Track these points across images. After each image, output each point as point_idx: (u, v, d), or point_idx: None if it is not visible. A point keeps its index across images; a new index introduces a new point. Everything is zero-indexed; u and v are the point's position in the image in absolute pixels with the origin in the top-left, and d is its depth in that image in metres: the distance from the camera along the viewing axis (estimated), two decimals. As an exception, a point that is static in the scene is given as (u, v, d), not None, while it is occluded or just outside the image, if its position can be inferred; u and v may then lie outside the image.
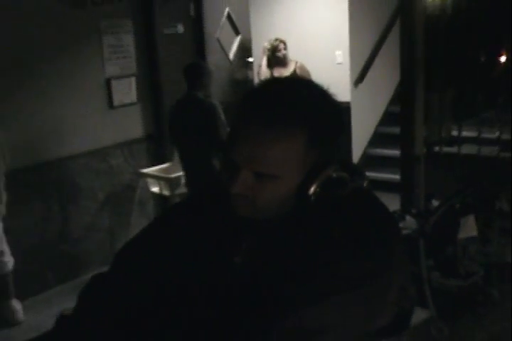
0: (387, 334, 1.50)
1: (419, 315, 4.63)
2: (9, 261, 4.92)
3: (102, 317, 1.63)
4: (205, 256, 1.57)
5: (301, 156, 1.42)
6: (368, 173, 5.92)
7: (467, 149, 5.93)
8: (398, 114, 5.40)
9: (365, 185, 1.56)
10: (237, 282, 1.49)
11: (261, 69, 6.90)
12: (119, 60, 6.00)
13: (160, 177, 6.10)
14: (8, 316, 4.95)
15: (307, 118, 1.41)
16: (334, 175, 1.47)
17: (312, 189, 1.44)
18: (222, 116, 5.20)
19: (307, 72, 6.88)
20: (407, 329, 1.56)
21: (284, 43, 6.92)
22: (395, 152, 6.12)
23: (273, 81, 1.57)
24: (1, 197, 4.76)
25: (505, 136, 6.13)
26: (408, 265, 1.60)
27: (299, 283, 1.38)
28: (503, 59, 6.79)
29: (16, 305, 5.05)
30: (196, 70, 5.47)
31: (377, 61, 7.99)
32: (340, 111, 1.51)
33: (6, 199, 4.80)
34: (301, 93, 1.45)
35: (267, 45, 6.86)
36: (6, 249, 4.92)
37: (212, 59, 6.98)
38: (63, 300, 5.24)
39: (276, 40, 6.85)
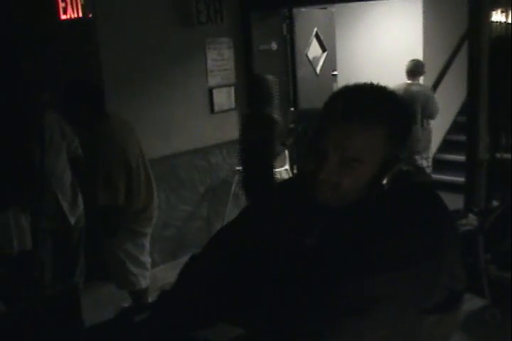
0: (438, 311, 1.50)
1: (476, 303, 4.58)
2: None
3: (197, 289, 1.73)
4: (283, 238, 1.63)
5: (381, 146, 1.48)
6: (436, 175, 6.02)
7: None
8: (465, 124, 5.37)
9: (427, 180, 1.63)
10: (306, 260, 1.55)
11: None
12: (220, 72, 6.12)
13: (252, 174, 6.18)
14: None
15: (388, 116, 1.48)
16: (404, 168, 1.54)
17: (386, 179, 1.51)
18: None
19: None
20: (458, 309, 1.56)
21: None
22: (461, 157, 6.09)
23: (361, 85, 1.58)
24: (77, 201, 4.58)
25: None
26: (459, 253, 1.61)
27: (361, 258, 1.43)
28: None
29: None
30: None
31: (448, 76, 7.97)
32: (411, 116, 1.58)
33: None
34: (383, 96, 1.53)
35: None
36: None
37: (302, 72, 7.05)
38: (166, 276, 5.35)
39: None
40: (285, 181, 1.84)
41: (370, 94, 1.53)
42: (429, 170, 6.76)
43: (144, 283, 4.56)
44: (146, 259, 4.60)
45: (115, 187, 4.00)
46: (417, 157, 6.61)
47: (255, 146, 5.13)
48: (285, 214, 1.67)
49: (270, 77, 5.41)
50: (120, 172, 4.03)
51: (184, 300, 1.73)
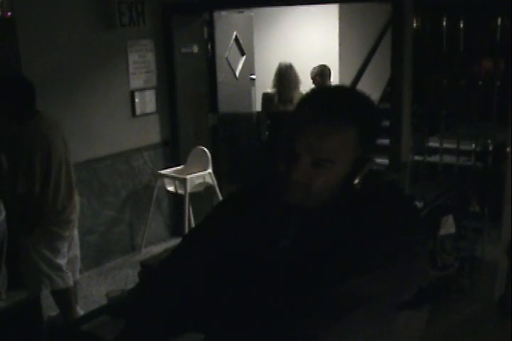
0: (411, 307, 1.49)
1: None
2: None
3: (174, 295, 1.71)
4: (256, 240, 1.60)
5: (353, 146, 1.49)
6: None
7: (448, 159, 5.99)
8: (388, 127, 5.44)
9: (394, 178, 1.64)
10: (281, 262, 1.53)
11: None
12: (142, 74, 6.03)
13: (175, 177, 6.12)
14: None
15: (358, 116, 1.48)
16: (374, 168, 1.55)
17: (357, 179, 1.51)
18: None
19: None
20: (428, 304, 1.55)
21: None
22: (379, 159, 6.20)
23: (331, 87, 1.65)
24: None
25: (479, 148, 6.15)
26: (425, 250, 1.64)
27: (346, 258, 1.43)
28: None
29: None
30: None
31: (362, 81, 8.11)
32: (381, 116, 1.59)
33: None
34: (353, 96, 1.54)
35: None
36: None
37: (222, 75, 7.05)
38: (90, 284, 5.33)
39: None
40: (254, 183, 1.81)
41: (339, 95, 1.54)
42: None
43: (61, 282, 4.45)
44: (63, 262, 4.48)
45: (32, 175, 4.06)
46: None
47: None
48: (258, 216, 1.64)
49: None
50: (40, 162, 4.08)
51: (161, 308, 1.70)
